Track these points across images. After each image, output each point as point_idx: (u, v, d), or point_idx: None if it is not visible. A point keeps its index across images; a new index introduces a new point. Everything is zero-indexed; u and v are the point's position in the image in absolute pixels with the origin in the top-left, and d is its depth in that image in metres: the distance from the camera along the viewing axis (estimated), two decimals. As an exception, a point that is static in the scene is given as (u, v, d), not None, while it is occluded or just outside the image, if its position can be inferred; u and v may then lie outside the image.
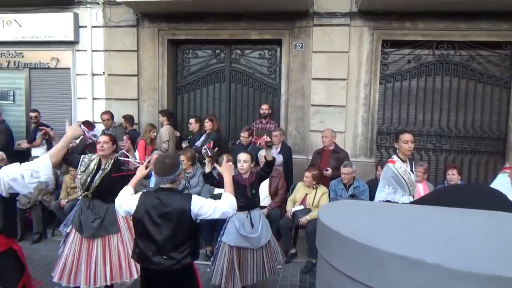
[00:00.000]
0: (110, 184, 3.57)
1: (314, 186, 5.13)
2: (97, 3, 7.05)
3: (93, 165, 3.66)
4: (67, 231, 3.73)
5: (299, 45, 6.56)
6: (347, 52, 6.35)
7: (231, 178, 2.91)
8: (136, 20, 6.99)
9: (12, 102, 7.79)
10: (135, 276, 3.66)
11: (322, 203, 5.00)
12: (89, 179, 3.62)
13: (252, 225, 3.69)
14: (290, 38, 6.59)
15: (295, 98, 6.65)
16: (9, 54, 7.62)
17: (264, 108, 6.42)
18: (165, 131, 6.38)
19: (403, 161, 3.72)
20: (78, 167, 3.66)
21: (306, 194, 5.15)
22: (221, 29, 6.76)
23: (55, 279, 3.64)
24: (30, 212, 5.48)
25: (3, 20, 7.29)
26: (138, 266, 3.67)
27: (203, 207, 2.61)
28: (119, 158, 3.76)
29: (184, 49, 7.31)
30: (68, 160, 3.64)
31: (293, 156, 6.19)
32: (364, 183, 5.22)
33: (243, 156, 3.85)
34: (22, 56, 7.60)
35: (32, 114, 6.89)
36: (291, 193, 5.43)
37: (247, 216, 3.72)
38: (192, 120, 6.51)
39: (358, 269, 1.25)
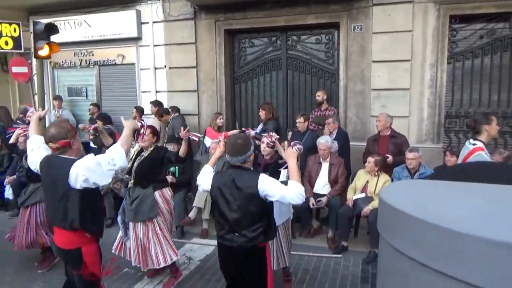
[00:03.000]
0: (148, 170, 3.85)
1: (376, 173, 4.93)
2: (157, -1, 7.33)
3: (133, 151, 3.93)
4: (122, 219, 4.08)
5: (358, 27, 6.29)
6: (411, 31, 5.96)
7: (295, 164, 2.86)
8: (193, 12, 7.15)
9: (85, 98, 8.41)
10: (174, 258, 3.95)
11: (385, 191, 4.79)
12: (129, 164, 3.85)
13: None
14: (348, 21, 6.33)
15: (354, 83, 6.41)
16: (81, 53, 8.21)
17: (318, 95, 6.28)
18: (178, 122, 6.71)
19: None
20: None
21: (368, 181, 4.97)
22: (276, 16, 6.69)
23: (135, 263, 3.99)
24: (103, 199, 5.89)
25: (74, 22, 7.86)
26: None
27: (269, 189, 2.60)
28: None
29: (241, 39, 7.35)
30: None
31: (353, 143, 6.00)
32: (431, 170, 4.91)
33: (275, 136, 3.89)
34: (92, 55, 8.15)
35: (90, 107, 7.35)
36: (351, 181, 5.28)
37: None
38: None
39: (432, 254, 1.07)
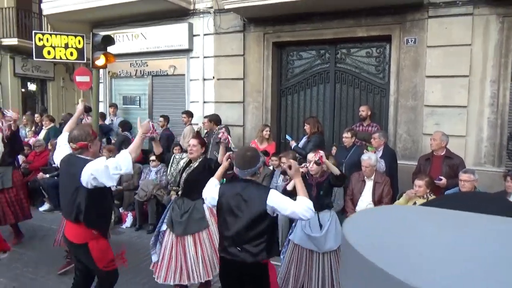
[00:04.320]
0: (197, 181, 3.70)
1: (426, 196, 4.59)
2: (209, 12, 7.51)
3: (182, 163, 3.91)
4: (163, 229, 3.96)
5: (411, 40, 5.99)
6: (469, 45, 5.57)
7: (301, 181, 2.76)
8: (243, 25, 7.24)
9: (138, 106, 8.79)
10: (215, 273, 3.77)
11: (434, 215, 4.44)
12: (178, 175, 3.86)
13: (321, 226, 3.56)
14: (401, 33, 6.06)
15: (406, 98, 6.10)
16: (136, 63, 8.61)
17: (363, 110, 6.03)
18: (189, 130, 6.98)
19: None
20: (170, 165, 3.93)
21: (415, 203, 4.63)
22: (325, 28, 6.57)
23: (160, 281, 3.81)
24: (146, 205, 6.06)
25: (132, 34, 8.28)
26: None
27: (280, 205, 2.59)
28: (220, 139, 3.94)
29: (289, 51, 7.31)
30: (163, 158, 3.95)
31: (403, 162, 5.67)
32: (488, 195, 4.48)
33: (311, 156, 3.72)
34: (147, 65, 8.52)
35: (160, 119, 7.53)
36: (397, 202, 4.96)
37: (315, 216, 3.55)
38: (205, 120, 6.88)
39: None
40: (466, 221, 0.86)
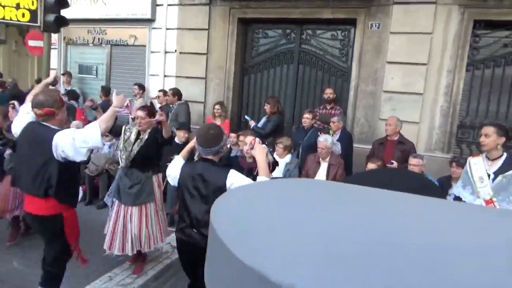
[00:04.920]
0: (147, 154, 3.73)
1: (377, 179, 4.70)
2: (174, -19, 7.19)
3: (132, 136, 3.80)
4: (112, 200, 3.91)
5: (375, 25, 6.02)
6: (430, 34, 5.66)
7: (265, 160, 2.70)
8: (208, -2, 6.99)
9: (95, 76, 8.38)
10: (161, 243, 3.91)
11: (384, 198, 4.56)
12: (129, 149, 3.73)
13: None
14: (366, 18, 6.07)
15: (366, 83, 6.16)
16: (95, 31, 8.16)
17: (328, 93, 6.02)
18: (140, 103, 6.63)
19: (488, 159, 3.18)
20: (121, 138, 3.79)
21: (367, 186, 4.74)
22: (293, 8, 6.46)
23: (105, 247, 3.84)
24: (97, 180, 5.83)
25: (90, -1, 7.81)
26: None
27: (239, 185, 2.46)
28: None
29: (254, 29, 7.16)
30: (111, 130, 3.78)
31: (358, 145, 5.76)
32: (435, 180, 4.65)
33: (250, 139, 3.65)
34: (105, 33, 8.09)
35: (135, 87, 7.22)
36: (351, 184, 5.05)
37: None
38: (160, 93, 6.85)
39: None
40: (355, 196, 0.70)
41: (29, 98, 3.18)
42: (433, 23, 5.64)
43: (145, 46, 7.65)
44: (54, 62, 8.37)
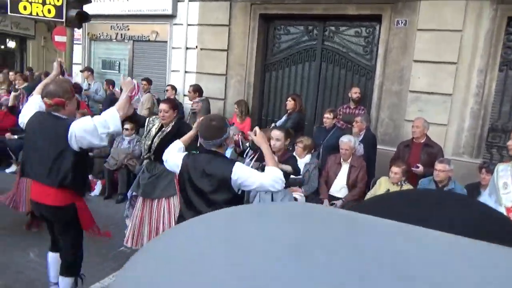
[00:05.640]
0: (168, 145, 3.63)
1: (400, 183, 4.50)
2: (196, -23, 7.12)
3: (154, 129, 3.74)
4: (133, 194, 3.89)
5: (401, 22, 5.77)
6: (460, 31, 5.38)
7: (269, 148, 2.59)
8: (230, -7, 6.90)
9: (117, 72, 8.44)
10: None
11: (407, 203, 4.36)
12: (150, 141, 3.70)
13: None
14: (392, 14, 5.83)
15: (391, 82, 5.93)
16: (117, 27, 8.21)
17: (356, 92, 5.81)
18: (147, 98, 6.82)
19: None
20: (145, 129, 3.76)
21: (388, 190, 4.54)
22: (315, 3, 6.29)
23: (126, 243, 3.83)
24: (117, 174, 5.85)
25: (114, -6, 7.85)
26: None
27: (246, 179, 2.37)
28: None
29: (276, 25, 7.02)
30: (134, 118, 3.75)
31: (381, 147, 5.55)
32: (462, 187, 4.41)
33: (275, 134, 3.56)
34: (128, 29, 8.12)
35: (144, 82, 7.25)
36: (372, 187, 4.87)
37: (271, 199, 3.48)
38: (168, 87, 6.90)
39: None
40: None
41: (38, 90, 3.17)
42: (463, 20, 5.36)
43: (166, 42, 7.63)
44: (78, 57, 8.50)
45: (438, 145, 4.92)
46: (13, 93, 7.12)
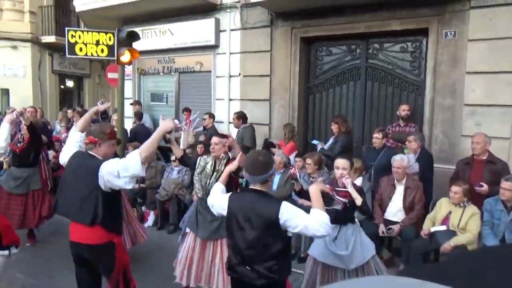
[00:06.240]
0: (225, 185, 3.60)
1: (462, 204, 4.18)
2: (236, 7, 7.32)
3: (209, 167, 3.70)
4: (185, 231, 3.87)
5: (450, 33, 5.52)
6: (517, 38, 5.04)
7: (318, 191, 2.46)
8: (270, 20, 6.99)
9: (165, 103, 8.77)
10: None
11: (472, 226, 4.03)
12: (208, 181, 3.66)
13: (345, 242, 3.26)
14: (439, 26, 5.60)
15: (443, 97, 5.64)
16: (164, 60, 8.58)
17: (405, 109, 5.57)
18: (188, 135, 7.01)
19: None
20: (196, 169, 3.76)
21: (450, 212, 4.24)
22: (357, 22, 6.20)
23: (178, 280, 3.78)
24: (168, 204, 5.97)
25: (160, 30, 8.25)
26: None
27: (292, 219, 2.28)
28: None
29: (317, 47, 6.99)
30: (184, 161, 3.78)
31: (437, 165, 5.23)
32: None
33: (341, 163, 3.36)
34: (174, 62, 8.47)
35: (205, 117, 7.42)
36: (431, 209, 4.57)
37: (338, 231, 3.28)
38: (206, 116, 6.92)
39: None
40: None
41: (77, 127, 3.33)
42: (520, 26, 5.03)
43: (210, 71, 7.84)
44: (129, 92, 8.95)
45: (502, 161, 4.55)
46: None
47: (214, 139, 3.71)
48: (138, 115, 7.86)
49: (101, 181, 2.61)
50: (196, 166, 3.79)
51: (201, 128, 7.15)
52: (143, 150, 2.64)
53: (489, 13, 5.18)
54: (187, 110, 7.58)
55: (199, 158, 3.85)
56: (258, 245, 2.32)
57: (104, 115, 7.91)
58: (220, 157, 3.69)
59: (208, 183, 3.68)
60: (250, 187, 2.52)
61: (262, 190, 2.45)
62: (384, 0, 5.74)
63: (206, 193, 3.68)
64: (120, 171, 2.56)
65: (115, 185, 2.61)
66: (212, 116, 7.11)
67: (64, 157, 2.99)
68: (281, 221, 2.27)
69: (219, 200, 2.61)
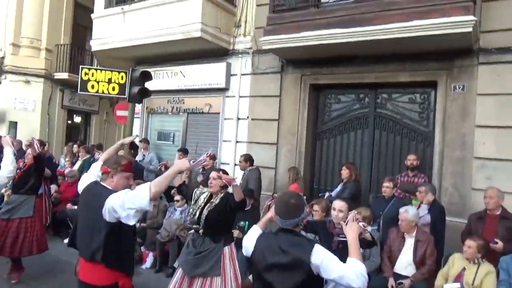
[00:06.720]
0: (217, 220, 3.55)
1: (477, 261, 4.01)
2: (248, 53, 7.52)
3: (203, 198, 3.70)
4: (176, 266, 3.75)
5: (459, 87, 5.60)
6: (526, 94, 5.09)
7: (356, 239, 2.35)
8: (280, 66, 7.15)
9: (171, 143, 8.78)
10: None
11: (488, 285, 3.83)
12: (198, 212, 3.63)
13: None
14: (448, 80, 5.69)
15: (452, 149, 5.61)
16: (173, 100, 8.71)
17: (411, 159, 5.53)
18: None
19: None
20: (192, 200, 3.72)
21: (464, 268, 4.05)
22: (366, 72, 6.32)
23: None
24: (168, 246, 5.77)
25: (171, 72, 8.45)
26: None
27: (326, 264, 2.12)
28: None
29: (326, 94, 7.09)
30: (181, 191, 3.73)
31: (447, 218, 5.09)
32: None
33: (338, 204, 3.43)
34: (183, 103, 8.58)
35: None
36: (443, 264, 4.38)
37: None
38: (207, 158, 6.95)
39: None
40: None
41: (101, 158, 3.31)
42: (528, 83, 5.09)
43: (219, 113, 7.92)
44: (136, 130, 9.00)
45: (516, 217, 4.41)
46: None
47: (213, 174, 3.69)
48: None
49: (105, 212, 2.47)
50: (192, 197, 3.76)
51: (200, 167, 7.05)
52: (154, 185, 2.48)
53: (498, 69, 5.27)
54: (183, 151, 7.47)
55: (194, 190, 3.82)
56: (286, 285, 2.17)
57: (132, 149, 7.81)
58: (217, 191, 3.67)
59: (198, 213, 3.63)
60: (281, 227, 2.36)
61: (292, 230, 2.32)
62: (394, 52, 5.87)
63: (198, 225, 3.63)
64: (125, 202, 2.41)
65: (118, 216, 2.45)
66: (212, 157, 7.08)
67: (80, 187, 2.93)
68: (313, 264, 2.12)
69: (249, 241, 2.46)
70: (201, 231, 3.67)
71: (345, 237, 2.39)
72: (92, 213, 2.57)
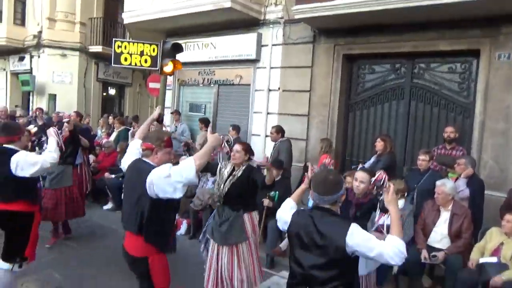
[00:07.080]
0: (239, 191, 3.63)
1: (515, 235, 3.90)
2: (279, 23, 7.36)
3: (226, 172, 3.74)
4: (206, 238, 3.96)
5: (504, 56, 5.28)
6: None
7: (398, 213, 2.29)
8: (313, 36, 6.97)
9: (203, 114, 8.87)
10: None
11: (526, 259, 3.74)
12: (222, 185, 3.68)
13: None
14: (492, 48, 5.37)
15: (494, 121, 5.36)
16: (204, 72, 8.72)
17: (449, 131, 5.32)
18: (201, 137, 7.39)
19: None
20: (217, 174, 3.80)
21: (502, 243, 3.95)
22: (403, 41, 6.05)
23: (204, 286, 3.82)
24: (201, 214, 5.95)
25: (202, 43, 8.42)
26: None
27: (363, 244, 2.10)
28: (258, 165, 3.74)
29: (360, 64, 6.87)
30: (206, 166, 3.78)
31: (486, 192, 4.93)
32: None
33: (360, 176, 3.34)
34: (214, 74, 8.58)
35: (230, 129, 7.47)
36: (480, 239, 4.29)
37: None
38: (230, 128, 7.10)
39: None
40: None
41: (137, 134, 3.37)
42: None
43: (249, 85, 7.88)
44: (168, 102, 9.13)
45: (562, 192, 4.23)
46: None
47: (237, 147, 3.73)
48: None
49: (148, 188, 2.50)
50: (218, 172, 3.82)
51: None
52: (197, 157, 2.53)
53: (549, 34, 4.92)
54: (202, 121, 7.62)
55: (219, 165, 3.87)
56: (321, 266, 2.17)
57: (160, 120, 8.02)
58: (240, 164, 3.71)
59: (221, 187, 3.70)
60: (317, 205, 2.35)
61: (330, 209, 2.29)
62: (432, 19, 5.57)
63: (220, 197, 3.74)
64: (173, 176, 2.44)
65: (164, 190, 2.47)
66: (235, 128, 7.12)
67: (124, 164, 3.00)
68: (348, 244, 2.10)
69: (284, 214, 2.48)
70: (221, 200, 3.77)
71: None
72: (136, 188, 2.63)
